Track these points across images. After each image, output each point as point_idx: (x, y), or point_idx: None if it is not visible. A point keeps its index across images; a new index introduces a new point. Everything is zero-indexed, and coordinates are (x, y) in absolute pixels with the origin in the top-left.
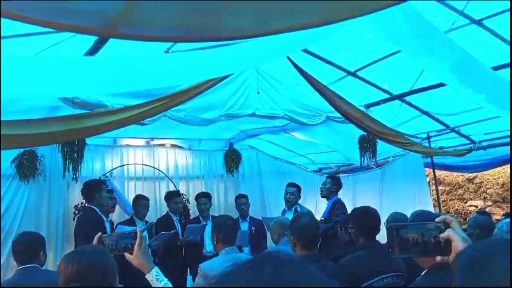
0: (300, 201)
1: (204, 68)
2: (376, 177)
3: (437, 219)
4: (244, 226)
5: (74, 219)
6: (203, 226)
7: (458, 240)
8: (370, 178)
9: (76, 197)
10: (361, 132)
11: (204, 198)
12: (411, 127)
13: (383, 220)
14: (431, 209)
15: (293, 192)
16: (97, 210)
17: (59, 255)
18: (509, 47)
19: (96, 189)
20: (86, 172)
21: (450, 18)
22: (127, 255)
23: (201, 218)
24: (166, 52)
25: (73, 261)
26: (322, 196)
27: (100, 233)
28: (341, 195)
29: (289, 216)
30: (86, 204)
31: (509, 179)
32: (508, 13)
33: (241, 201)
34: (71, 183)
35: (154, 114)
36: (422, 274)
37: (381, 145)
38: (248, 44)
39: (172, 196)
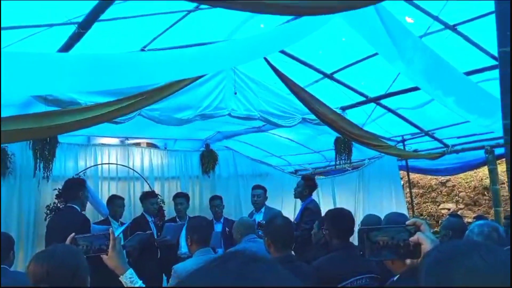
0: (278, 203)
1: (180, 67)
2: (353, 179)
3: (407, 222)
4: (218, 227)
5: (45, 219)
6: (181, 225)
7: (427, 243)
8: (348, 180)
9: (48, 197)
10: (337, 134)
11: (181, 198)
12: (386, 130)
13: (358, 222)
14: (405, 211)
15: (260, 194)
16: (78, 209)
17: (30, 255)
18: (482, 53)
19: (80, 187)
20: (58, 171)
21: (426, 23)
22: (103, 256)
23: (177, 219)
24: (142, 50)
25: (43, 261)
26: (295, 197)
27: (73, 234)
28: (321, 197)
29: (258, 218)
30: (66, 204)
31: (480, 183)
32: (482, 19)
33: (215, 202)
34: (42, 182)
35: (127, 113)
36: (395, 279)
37: (357, 147)
38: (225, 44)
39: (148, 197)
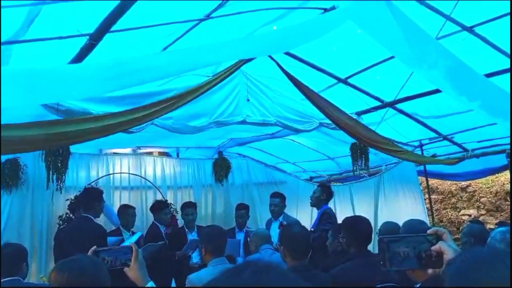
0: (294, 212)
1: (191, 60)
2: (371, 185)
3: (428, 231)
4: (240, 236)
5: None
6: None
7: (450, 252)
8: (366, 187)
9: (61, 208)
10: (353, 140)
11: (190, 208)
12: (404, 135)
13: (376, 229)
14: (425, 218)
15: (277, 203)
16: (93, 219)
17: (43, 267)
18: (500, 54)
19: (97, 198)
20: (71, 182)
21: (440, 24)
22: (126, 269)
23: (186, 229)
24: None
25: (65, 270)
26: (312, 205)
27: (95, 247)
28: (338, 204)
29: (275, 227)
30: (81, 213)
31: (502, 188)
32: (499, 20)
33: (240, 212)
34: (55, 193)
35: (141, 123)
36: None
37: (374, 152)
38: (234, 39)
39: (161, 207)
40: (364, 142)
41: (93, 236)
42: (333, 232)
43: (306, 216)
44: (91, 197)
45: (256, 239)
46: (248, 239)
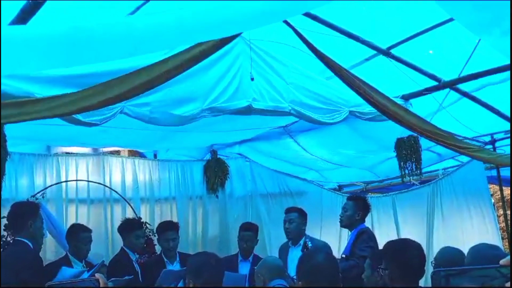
0: (316, 233)
1: (176, 33)
2: (422, 197)
3: (502, 262)
4: (245, 267)
5: None
6: (183, 271)
7: None
8: (416, 199)
9: None
10: (398, 135)
11: (170, 231)
12: (469, 127)
13: (431, 258)
14: (498, 242)
15: (294, 219)
16: (29, 244)
17: None
18: None
19: (30, 215)
20: (8, 193)
21: None
22: None
23: (164, 258)
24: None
25: None
26: (343, 226)
27: (48, 283)
28: (376, 222)
29: (296, 253)
30: (14, 237)
31: None
32: None
33: (246, 234)
34: None
35: (102, 105)
36: None
37: (426, 154)
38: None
39: (132, 228)
40: (419, 132)
41: (19, 268)
42: (372, 261)
43: (332, 237)
44: (21, 215)
45: (264, 272)
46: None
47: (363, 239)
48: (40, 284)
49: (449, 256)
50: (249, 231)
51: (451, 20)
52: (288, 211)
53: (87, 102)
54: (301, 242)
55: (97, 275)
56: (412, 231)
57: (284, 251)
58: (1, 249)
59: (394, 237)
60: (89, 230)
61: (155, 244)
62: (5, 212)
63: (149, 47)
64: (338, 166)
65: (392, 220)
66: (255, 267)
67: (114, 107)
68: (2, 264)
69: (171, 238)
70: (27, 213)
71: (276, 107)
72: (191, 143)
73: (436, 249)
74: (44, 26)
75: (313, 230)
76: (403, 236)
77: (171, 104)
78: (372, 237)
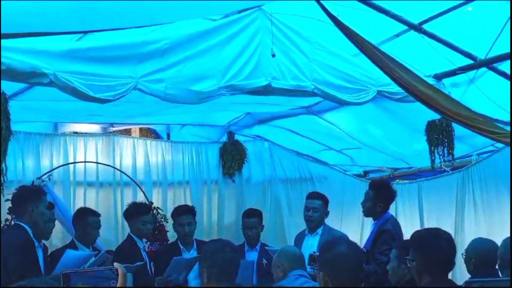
0: (337, 222)
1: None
2: (451, 184)
3: None
4: (252, 257)
5: None
6: (195, 260)
7: None
8: (444, 186)
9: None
10: (429, 117)
11: (186, 215)
12: (507, 110)
13: (461, 249)
14: None
15: (317, 207)
16: (28, 230)
17: None
18: None
19: (32, 199)
20: (13, 174)
21: None
22: None
23: (180, 245)
24: None
25: None
26: (366, 216)
27: (64, 271)
28: (401, 211)
29: (313, 242)
30: (15, 221)
31: None
32: None
33: (250, 221)
34: None
35: None
36: None
37: (460, 138)
38: None
39: (138, 213)
40: (450, 118)
41: (7, 250)
42: (399, 253)
43: (354, 228)
44: (23, 199)
45: (285, 261)
46: (264, 261)
47: (384, 239)
48: (24, 270)
49: (481, 247)
50: (253, 217)
51: None
52: (312, 197)
53: None
54: (319, 231)
55: (116, 264)
56: (439, 221)
57: (299, 239)
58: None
59: (417, 227)
60: (98, 214)
61: (167, 231)
62: (9, 195)
63: (161, 18)
64: (365, 147)
65: (416, 207)
66: (264, 256)
67: (127, 83)
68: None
69: (186, 222)
70: (29, 198)
71: (298, 86)
72: (207, 114)
73: (466, 240)
74: None
75: (333, 219)
76: (427, 226)
77: (186, 81)
78: (395, 236)
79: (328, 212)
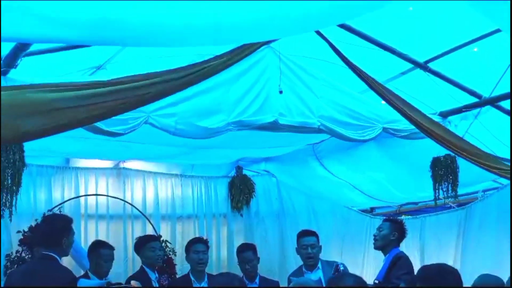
0: (337, 256)
1: (206, 32)
2: (453, 221)
3: None
4: None
5: (5, 274)
6: None
7: None
8: (446, 223)
9: (7, 243)
10: (433, 154)
11: (201, 244)
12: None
13: (465, 285)
14: None
15: (315, 244)
16: (59, 260)
17: None
18: None
19: (65, 230)
20: (25, 207)
21: None
22: None
23: (192, 277)
24: None
25: None
26: (376, 248)
27: None
28: (403, 246)
29: (316, 278)
30: (42, 251)
31: None
32: None
33: (244, 255)
34: (1, 223)
35: (126, 108)
36: None
37: (463, 173)
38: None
39: (145, 241)
40: (455, 152)
41: (61, 285)
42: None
43: (356, 264)
44: (57, 229)
45: None
46: None
47: (399, 265)
48: None
49: (488, 283)
50: (247, 251)
51: (492, 33)
52: (307, 234)
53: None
54: (319, 265)
55: (133, 282)
56: (440, 257)
57: (297, 277)
58: (15, 265)
59: (418, 261)
60: (110, 247)
61: (176, 264)
62: (20, 227)
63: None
64: (367, 190)
65: (416, 243)
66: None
67: (138, 117)
68: (35, 277)
69: (201, 250)
70: (65, 229)
71: (304, 123)
72: (216, 157)
73: (470, 276)
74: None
75: (334, 254)
76: (427, 261)
77: (196, 115)
78: (409, 264)
79: (321, 246)
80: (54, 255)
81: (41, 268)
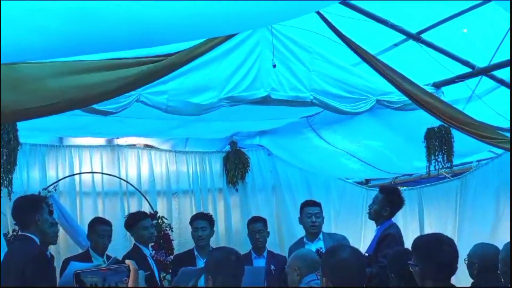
0: (333, 228)
1: (196, 25)
2: (451, 191)
3: None
4: (260, 264)
5: None
6: (201, 270)
7: None
8: (443, 193)
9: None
10: (428, 125)
11: (202, 220)
12: (507, 117)
13: (463, 254)
14: None
15: (319, 213)
16: (36, 240)
17: None
18: None
19: (36, 209)
20: (19, 186)
21: None
22: None
23: (196, 252)
24: None
25: None
26: (370, 218)
27: (76, 270)
28: (400, 217)
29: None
30: (21, 232)
31: None
32: None
33: (256, 227)
34: None
35: (121, 92)
36: None
37: (458, 144)
38: None
39: (135, 220)
40: (449, 123)
41: (24, 262)
42: (398, 257)
43: (354, 236)
44: (24, 211)
45: (301, 265)
46: (272, 267)
47: (387, 243)
48: (45, 281)
49: (485, 252)
50: (258, 222)
51: (484, 3)
52: (311, 204)
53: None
54: (320, 236)
55: (127, 261)
56: (439, 227)
57: (299, 246)
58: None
59: (417, 233)
60: (107, 223)
61: (173, 240)
62: None
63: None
64: (364, 157)
65: (416, 213)
66: (272, 263)
67: (130, 95)
68: (6, 261)
69: (200, 227)
70: (33, 208)
71: (296, 97)
72: (209, 132)
73: (466, 245)
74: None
75: (332, 226)
76: (427, 232)
77: (188, 92)
78: (398, 241)
79: (324, 218)
80: (30, 235)
81: (16, 248)
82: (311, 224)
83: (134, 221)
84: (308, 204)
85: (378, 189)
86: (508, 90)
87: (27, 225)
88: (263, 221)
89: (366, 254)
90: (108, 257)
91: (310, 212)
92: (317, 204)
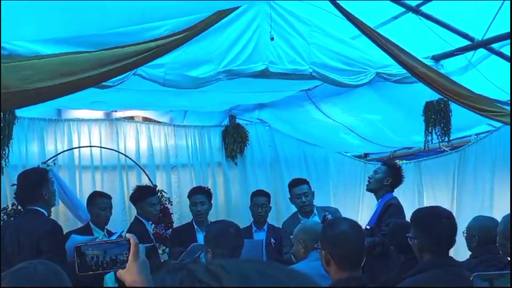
0: (330, 202)
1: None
2: (450, 164)
3: None
4: (260, 237)
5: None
6: None
7: None
8: (442, 166)
9: (4, 196)
10: (427, 98)
11: (200, 194)
12: (506, 91)
13: (461, 227)
14: None
15: (308, 191)
16: (45, 213)
17: None
18: None
19: (40, 182)
20: (17, 159)
21: None
22: (118, 271)
23: (195, 225)
24: None
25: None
26: (368, 190)
27: (77, 243)
28: (400, 191)
29: None
30: (27, 206)
31: None
32: None
33: (259, 200)
34: None
35: (119, 73)
36: None
37: (457, 117)
38: None
39: (145, 195)
40: (448, 97)
41: (39, 235)
42: (394, 234)
43: (352, 210)
44: (32, 184)
45: (306, 237)
46: (272, 240)
47: (390, 213)
48: (62, 253)
49: (484, 225)
50: (261, 196)
51: None
52: (299, 183)
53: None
54: (315, 212)
55: (128, 235)
56: (438, 200)
57: (293, 225)
58: (11, 218)
59: (416, 206)
60: (107, 196)
61: (172, 213)
62: (14, 180)
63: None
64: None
65: (414, 186)
66: (272, 236)
67: None
68: (15, 236)
69: (198, 201)
70: (41, 183)
71: (295, 70)
72: (208, 103)
73: (464, 218)
74: None
75: (328, 200)
76: (426, 205)
77: (185, 65)
78: (400, 211)
79: (313, 192)
80: (38, 208)
81: (24, 222)
82: (302, 205)
83: (142, 196)
84: (295, 183)
85: (376, 162)
86: (508, 63)
87: (35, 199)
88: (267, 195)
89: (368, 227)
90: (108, 231)
91: (299, 193)
92: (304, 182)
